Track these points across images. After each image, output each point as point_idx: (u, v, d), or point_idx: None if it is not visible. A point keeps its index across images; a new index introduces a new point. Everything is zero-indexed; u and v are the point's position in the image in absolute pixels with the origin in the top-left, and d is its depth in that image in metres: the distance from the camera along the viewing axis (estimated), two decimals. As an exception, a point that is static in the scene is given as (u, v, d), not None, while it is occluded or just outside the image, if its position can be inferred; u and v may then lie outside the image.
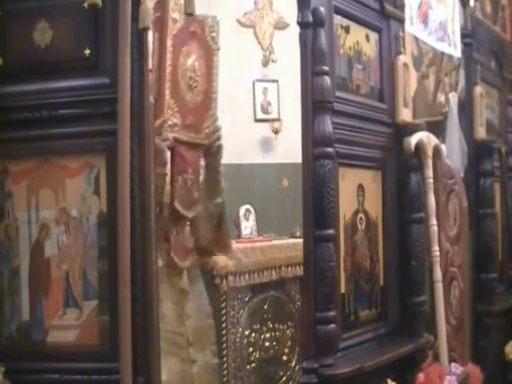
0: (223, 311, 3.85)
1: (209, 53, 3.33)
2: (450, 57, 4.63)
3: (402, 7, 3.44)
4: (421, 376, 3.17)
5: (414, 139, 3.36)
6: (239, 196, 4.89)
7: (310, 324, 2.76)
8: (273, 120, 6.16)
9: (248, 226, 4.68)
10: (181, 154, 3.21)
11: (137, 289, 2.29)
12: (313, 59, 2.80)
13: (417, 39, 4.31)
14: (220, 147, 3.35)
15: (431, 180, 3.49)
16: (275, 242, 4.46)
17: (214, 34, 3.35)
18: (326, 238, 2.77)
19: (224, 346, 3.83)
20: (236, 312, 3.95)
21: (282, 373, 4.36)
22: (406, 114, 3.43)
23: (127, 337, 2.21)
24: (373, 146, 3.21)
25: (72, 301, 2.43)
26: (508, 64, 5.27)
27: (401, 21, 3.45)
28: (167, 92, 3.06)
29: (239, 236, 4.58)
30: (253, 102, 6.02)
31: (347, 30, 3.09)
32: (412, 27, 3.51)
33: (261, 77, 6.19)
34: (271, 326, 4.26)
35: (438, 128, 4.17)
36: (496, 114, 5.11)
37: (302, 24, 2.82)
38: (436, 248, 3.49)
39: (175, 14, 3.13)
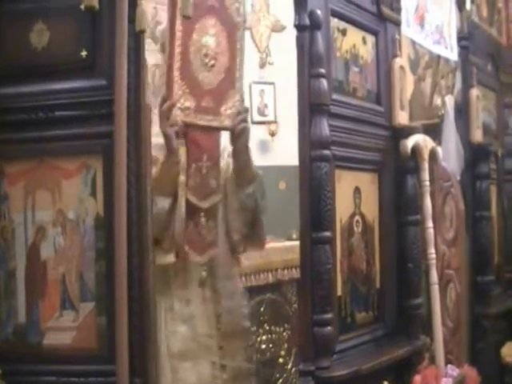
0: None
1: (231, 27, 2.94)
2: (447, 60, 4.63)
3: (398, 10, 3.44)
4: (417, 378, 3.16)
5: (410, 142, 3.36)
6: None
7: (307, 326, 2.76)
8: (269, 122, 6.17)
9: (245, 228, 4.66)
10: (194, 140, 2.89)
11: (133, 290, 2.28)
12: (309, 62, 2.80)
13: (413, 42, 4.30)
14: (244, 130, 2.99)
15: (427, 183, 3.48)
16: (272, 244, 4.45)
17: (237, 5, 2.95)
18: (322, 240, 2.77)
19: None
20: (232, 314, 3.95)
21: (278, 375, 4.36)
22: (402, 117, 3.43)
23: (124, 338, 2.20)
24: (369, 148, 3.21)
25: (68, 303, 2.41)
26: (504, 67, 5.29)
27: (397, 24, 3.45)
28: (176, 73, 2.78)
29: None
30: (249, 105, 5.98)
31: (344, 32, 3.09)
32: (409, 30, 3.51)
33: (257, 79, 6.20)
34: (268, 328, 4.26)
35: (434, 131, 4.16)
36: (493, 116, 5.12)
37: (299, 27, 2.82)
38: (432, 250, 3.48)
39: None
